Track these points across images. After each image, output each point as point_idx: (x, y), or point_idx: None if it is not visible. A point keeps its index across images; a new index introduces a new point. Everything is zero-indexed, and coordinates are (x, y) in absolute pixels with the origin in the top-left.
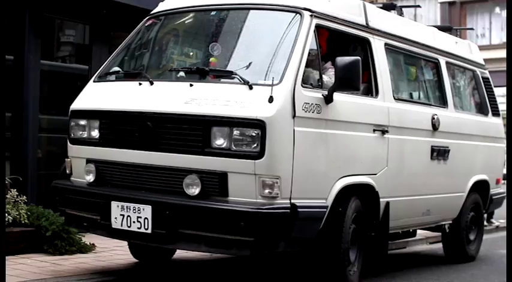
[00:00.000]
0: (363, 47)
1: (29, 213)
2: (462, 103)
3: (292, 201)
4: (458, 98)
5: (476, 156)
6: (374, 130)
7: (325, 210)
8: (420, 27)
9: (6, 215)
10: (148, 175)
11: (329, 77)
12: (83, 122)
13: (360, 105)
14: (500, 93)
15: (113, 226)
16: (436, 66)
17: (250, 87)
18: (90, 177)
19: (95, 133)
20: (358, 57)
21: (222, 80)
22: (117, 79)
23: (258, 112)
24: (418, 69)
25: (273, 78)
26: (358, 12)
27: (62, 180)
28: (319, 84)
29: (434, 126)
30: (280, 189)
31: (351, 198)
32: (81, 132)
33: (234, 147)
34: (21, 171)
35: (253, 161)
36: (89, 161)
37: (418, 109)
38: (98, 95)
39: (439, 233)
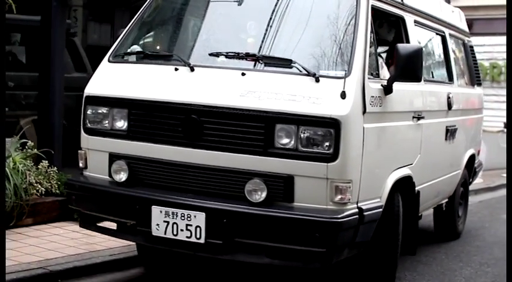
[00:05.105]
0: (394, 26)
1: (59, 183)
2: (461, 76)
3: (358, 204)
4: (458, 71)
5: (469, 131)
6: (413, 117)
7: (381, 210)
8: None
9: (39, 186)
10: (197, 176)
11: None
12: (104, 110)
13: (405, 92)
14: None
15: (154, 233)
16: (443, 39)
17: (317, 80)
18: (121, 176)
19: (121, 124)
20: (421, 45)
21: (278, 69)
22: (140, 61)
23: (332, 110)
24: (433, 45)
25: (345, 70)
26: None
27: (77, 176)
28: (377, 73)
29: (450, 106)
30: (351, 193)
31: (397, 193)
32: (101, 122)
33: (302, 148)
34: (48, 141)
35: (325, 164)
36: (115, 156)
37: (439, 89)
38: (121, 79)
39: None
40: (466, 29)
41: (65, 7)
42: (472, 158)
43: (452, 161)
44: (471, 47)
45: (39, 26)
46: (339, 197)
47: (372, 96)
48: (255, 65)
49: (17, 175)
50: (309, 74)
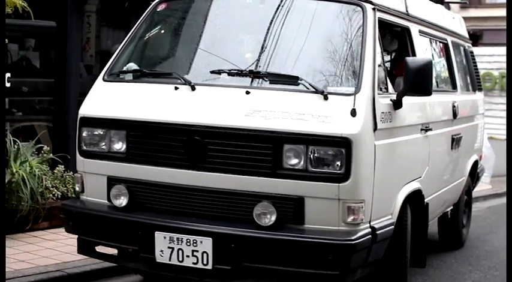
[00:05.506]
0: (399, 36)
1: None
2: (463, 83)
3: (371, 223)
4: (461, 78)
5: (472, 137)
6: (421, 129)
7: (393, 227)
8: (432, 7)
9: (55, 190)
10: (202, 200)
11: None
12: (100, 132)
13: (413, 105)
14: None
15: (158, 260)
16: (446, 47)
17: (326, 97)
18: (121, 201)
19: (119, 146)
20: (431, 58)
21: (284, 86)
22: (137, 79)
23: (342, 128)
24: (436, 54)
25: (355, 87)
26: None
27: (73, 201)
28: (386, 88)
29: (455, 114)
30: (364, 213)
31: (407, 207)
32: (98, 144)
33: (312, 168)
34: (64, 146)
35: (336, 184)
36: (114, 179)
37: (445, 98)
38: (118, 99)
39: None
40: (466, 34)
41: (81, 13)
42: (475, 164)
43: (457, 169)
44: (471, 52)
45: (54, 32)
46: (352, 217)
47: (382, 113)
48: (259, 83)
49: (34, 179)
50: (317, 91)
